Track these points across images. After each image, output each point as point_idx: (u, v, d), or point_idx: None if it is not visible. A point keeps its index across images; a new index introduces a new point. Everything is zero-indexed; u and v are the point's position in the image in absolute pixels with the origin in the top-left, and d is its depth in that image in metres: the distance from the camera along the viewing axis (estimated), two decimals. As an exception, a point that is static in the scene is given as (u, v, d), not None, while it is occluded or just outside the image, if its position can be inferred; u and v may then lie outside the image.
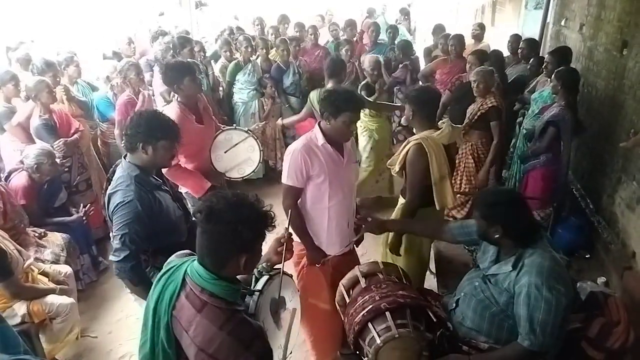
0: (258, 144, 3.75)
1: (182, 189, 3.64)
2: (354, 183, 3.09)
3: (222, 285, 1.62)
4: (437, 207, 3.15)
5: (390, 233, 3.30)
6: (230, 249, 1.61)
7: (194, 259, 1.71)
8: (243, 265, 1.64)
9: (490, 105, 4.26)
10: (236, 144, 3.67)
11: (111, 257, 2.49)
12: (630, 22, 4.27)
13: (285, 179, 2.84)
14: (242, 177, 3.81)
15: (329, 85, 4.45)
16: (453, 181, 4.63)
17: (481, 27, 6.90)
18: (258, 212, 1.65)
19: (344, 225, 2.96)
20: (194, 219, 2.86)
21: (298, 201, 2.89)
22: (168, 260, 1.86)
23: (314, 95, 4.45)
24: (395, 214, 3.36)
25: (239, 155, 3.70)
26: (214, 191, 1.69)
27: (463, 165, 4.59)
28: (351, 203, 3.04)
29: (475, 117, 4.37)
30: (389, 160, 3.38)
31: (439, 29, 7.09)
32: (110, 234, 2.53)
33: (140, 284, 2.47)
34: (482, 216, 2.28)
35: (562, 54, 4.84)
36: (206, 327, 1.56)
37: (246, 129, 3.92)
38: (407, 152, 3.10)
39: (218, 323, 1.56)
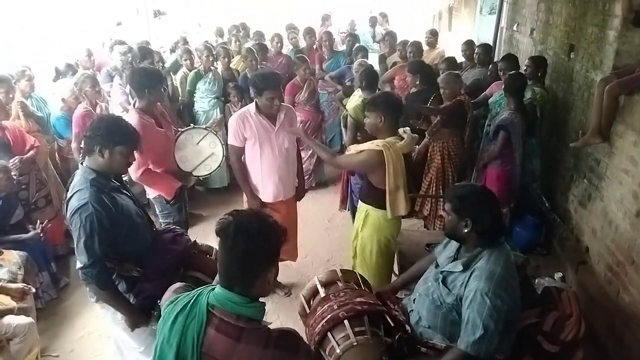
0: (219, 139, 3.84)
1: (152, 194, 3.73)
2: (288, 147, 3.64)
3: (257, 307, 1.61)
4: (389, 216, 3.15)
5: (359, 237, 3.37)
6: (262, 260, 1.59)
7: (210, 289, 1.64)
8: (272, 278, 1.63)
9: (457, 99, 4.40)
10: (197, 142, 3.76)
11: (77, 263, 2.44)
12: (576, 27, 4.47)
13: (229, 140, 3.61)
14: (210, 173, 3.90)
15: (360, 96, 4.51)
16: (423, 178, 4.76)
17: (433, 33, 7.09)
18: (274, 221, 1.63)
19: (276, 180, 3.63)
20: (156, 228, 2.91)
21: (242, 157, 3.64)
22: (167, 301, 1.76)
23: (350, 108, 4.46)
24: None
25: (203, 153, 3.78)
26: (227, 213, 1.62)
27: (434, 164, 4.69)
28: (283, 163, 3.63)
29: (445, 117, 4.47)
30: (349, 147, 3.38)
31: (389, 36, 7.21)
32: (75, 250, 2.47)
33: (107, 289, 2.48)
34: (454, 209, 2.28)
35: (513, 60, 5.04)
36: (251, 352, 1.54)
37: (204, 126, 4.01)
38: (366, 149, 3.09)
39: (262, 343, 1.55)
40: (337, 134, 6.74)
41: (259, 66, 6.14)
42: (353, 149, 3.27)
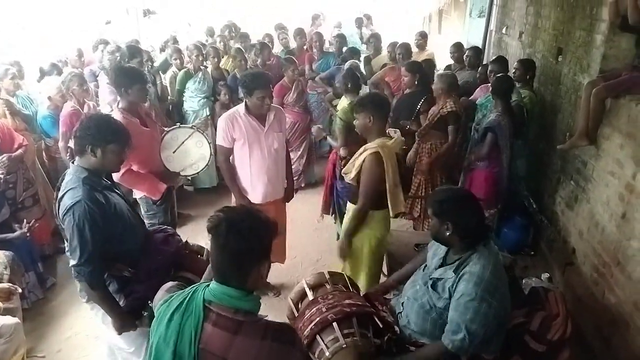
0: (206, 138, 3.79)
1: (138, 194, 3.69)
2: (278, 148, 3.63)
3: (254, 299, 1.63)
4: (391, 214, 3.18)
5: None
6: (253, 256, 1.59)
7: (205, 286, 1.64)
8: (265, 272, 1.65)
9: (449, 109, 4.39)
10: (183, 142, 3.71)
11: (70, 261, 2.43)
12: (564, 31, 4.52)
13: (217, 140, 3.59)
14: (197, 172, 3.86)
15: (347, 99, 4.49)
16: (413, 179, 4.78)
17: (423, 35, 7.12)
18: (265, 216, 1.64)
19: (265, 181, 3.62)
20: (149, 228, 2.89)
21: (230, 158, 3.63)
22: (160, 300, 1.76)
23: (339, 110, 4.44)
24: (345, 220, 3.38)
25: (190, 152, 3.73)
26: (218, 210, 1.63)
27: (422, 165, 4.71)
28: (272, 164, 3.62)
29: (435, 119, 4.49)
30: (344, 169, 3.34)
31: (374, 38, 7.24)
32: (65, 247, 2.46)
33: (97, 289, 2.47)
34: (434, 213, 2.31)
35: (504, 62, 5.09)
36: (249, 344, 1.55)
37: (190, 125, 3.95)
38: (363, 160, 3.07)
39: (259, 336, 1.56)
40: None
41: (258, 66, 6.14)
42: (348, 166, 3.24)
